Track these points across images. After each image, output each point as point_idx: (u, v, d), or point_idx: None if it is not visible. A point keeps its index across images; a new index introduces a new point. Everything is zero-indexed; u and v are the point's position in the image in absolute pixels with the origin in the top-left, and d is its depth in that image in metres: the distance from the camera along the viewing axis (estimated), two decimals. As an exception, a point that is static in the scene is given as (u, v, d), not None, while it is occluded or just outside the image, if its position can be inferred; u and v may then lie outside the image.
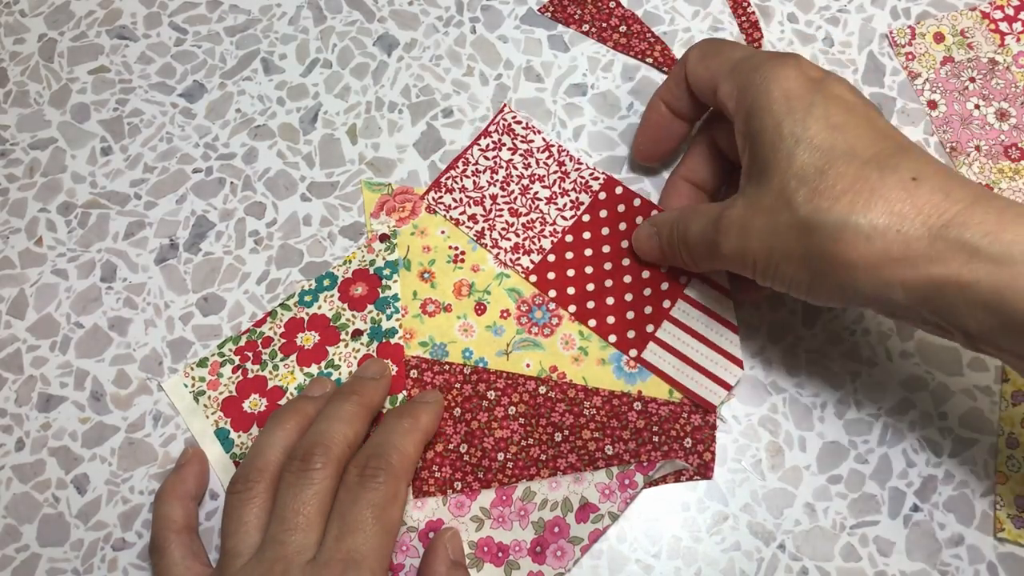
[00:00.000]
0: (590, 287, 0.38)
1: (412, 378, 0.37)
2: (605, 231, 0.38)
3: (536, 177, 0.40)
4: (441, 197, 0.39)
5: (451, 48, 0.43)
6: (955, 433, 0.36)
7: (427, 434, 0.35)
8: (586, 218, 0.39)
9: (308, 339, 0.38)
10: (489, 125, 0.40)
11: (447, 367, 0.37)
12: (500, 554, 0.34)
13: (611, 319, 0.37)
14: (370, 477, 0.31)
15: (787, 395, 0.37)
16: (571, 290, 0.38)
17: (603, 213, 0.39)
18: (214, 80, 0.43)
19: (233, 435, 0.36)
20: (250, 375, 0.37)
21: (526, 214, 0.39)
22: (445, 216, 0.39)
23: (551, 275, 0.38)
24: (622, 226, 0.38)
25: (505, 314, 0.38)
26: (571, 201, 0.39)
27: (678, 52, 0.42)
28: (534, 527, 0.34)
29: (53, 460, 0.37)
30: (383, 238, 0.39)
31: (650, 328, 0.37)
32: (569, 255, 0.38)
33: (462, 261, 0.39)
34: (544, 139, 0.40)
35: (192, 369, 0.37)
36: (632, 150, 0.39)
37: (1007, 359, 0.28)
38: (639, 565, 0.35)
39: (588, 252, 0.38)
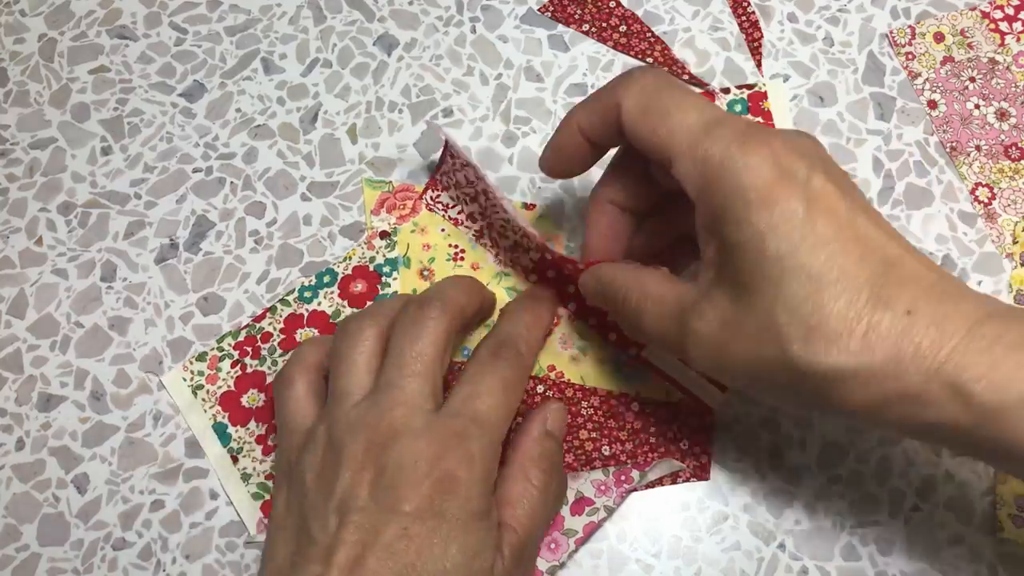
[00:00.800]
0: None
1: None
2: None
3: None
4: (438, 196, 0.39)
5: (451, 48, 0.43)
6: (955, 433, 0.36)
7: (548, 331, 0.36)
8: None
9: (307, 335, 0.38)
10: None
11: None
12: None
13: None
14: (502, 357, 0.32)
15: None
16: (571, 288, 0.37)
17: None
18: (214, 80, 0.43)
19: (231, 429, 0.36)
20: (249, 370, 0.37)
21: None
22: (443, 215, 0.39)
23: (550, 273, 0.38)
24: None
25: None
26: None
27: (678, 52, 0.42)
28: None
29: (53, 460, 0.37)
30: (383, 235, 0.39)
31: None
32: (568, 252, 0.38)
33: (462, 259, 0.39)
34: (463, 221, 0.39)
35: (191, 363, 0.37)
36: (539, 162, 0.35)
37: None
38: (639, 565, 0.35)
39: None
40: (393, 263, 0.39)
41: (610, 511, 0.34)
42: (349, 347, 0.32)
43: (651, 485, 0.36)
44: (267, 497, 0.36)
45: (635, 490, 0.35)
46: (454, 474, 0.28)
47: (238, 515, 0.36)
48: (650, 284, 0.31)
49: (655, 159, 0.30)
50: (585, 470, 0.35)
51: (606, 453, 0.36)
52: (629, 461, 0.36)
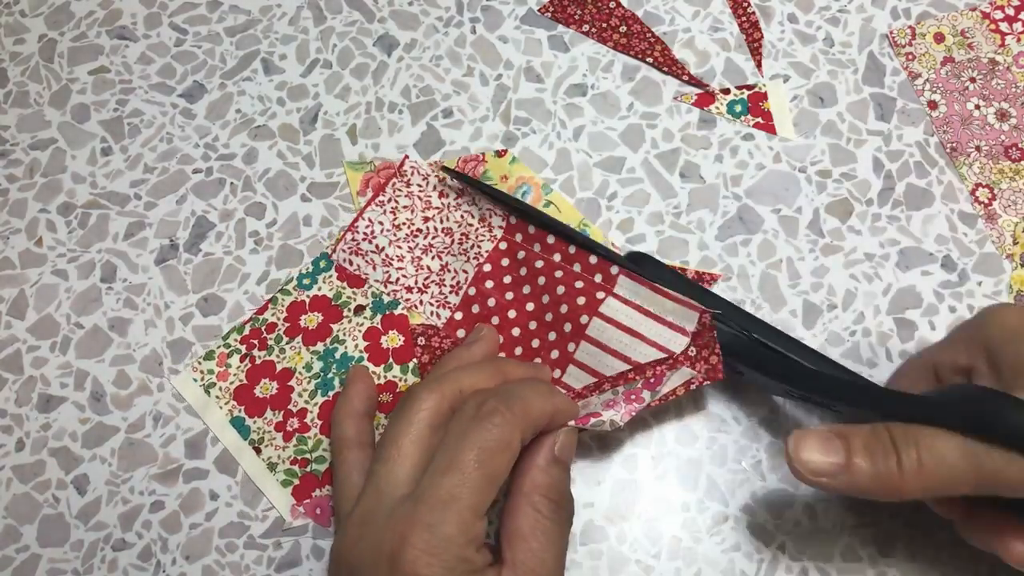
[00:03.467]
0: (512, 313, 0.37)
1: (420, 345, 0.37)
2: (520, 255, 0.38)
3: (434, 223, 0.39)
4: (348, 258, 0.39)
5: (451, 48, 0.43)
6: (955, 434, 0.36)
7: (558, 411, 0.31)
8: (503, 245, 0.38)
9: (312, 320, 0.38)
10: (385, 185, 0.40)
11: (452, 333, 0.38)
12: None
13: (535, 342, 0.37)
14: (486, 416, 0.29)
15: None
16: (495, 319, 0.37)
17: (518, 237, 0.38)
18: (214, 80, 0.43)
19: (248, 421, 0.37)
20: (258, 361, 0.37)
21: (444, 254, 0.39)
22: (352, 269, 0.39)
23: (475, 308, 0.38)
24: (536, 247, 0.38)
25: None
26: (483, 235, 0.39)
27: (678, 52, 0.42)
28: None
29: (53, 460, 0.37)
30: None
31: (571, 347, 0.36)
32: (489, 284, 0.38)
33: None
34: (441, 187, 0.39)
35: (200, 363, 0.37)
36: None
37: None
38: (639, 566, 0.35)
39: (507, 279, 0.38)
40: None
41: (615, 426, 0.33)
42: (408, 414, 0.30)
43: (663, 399, 0.34)
44: (296, 483, 0.36)
45: (648, 407, 0.34)
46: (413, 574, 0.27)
47: (273, 506, 0.36)
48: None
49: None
50: (594, 394, 0.35)
51: (613, 372, 0.35)
52: (639, 378, 0.35)
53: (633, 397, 0.33)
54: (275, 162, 0.41)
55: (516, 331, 0.37)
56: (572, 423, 0.32)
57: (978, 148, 0.40)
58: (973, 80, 0.41)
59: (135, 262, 0.40)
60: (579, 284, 0.36)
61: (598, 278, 0.36)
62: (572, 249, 0.37)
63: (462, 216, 0.39)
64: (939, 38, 0.42)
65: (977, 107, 0.41)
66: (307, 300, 0.38)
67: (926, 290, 0.38)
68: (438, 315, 0.38)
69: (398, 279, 0.38)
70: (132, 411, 0.37)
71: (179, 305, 0.39)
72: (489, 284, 0.38)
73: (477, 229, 0.39)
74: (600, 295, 0.36)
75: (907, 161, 0.40)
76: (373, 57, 0.43)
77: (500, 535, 0.30)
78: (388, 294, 0.38)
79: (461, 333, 0.38)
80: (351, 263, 0.39)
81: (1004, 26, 0.42)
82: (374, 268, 0.38)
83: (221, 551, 0.35)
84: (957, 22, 0.42)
